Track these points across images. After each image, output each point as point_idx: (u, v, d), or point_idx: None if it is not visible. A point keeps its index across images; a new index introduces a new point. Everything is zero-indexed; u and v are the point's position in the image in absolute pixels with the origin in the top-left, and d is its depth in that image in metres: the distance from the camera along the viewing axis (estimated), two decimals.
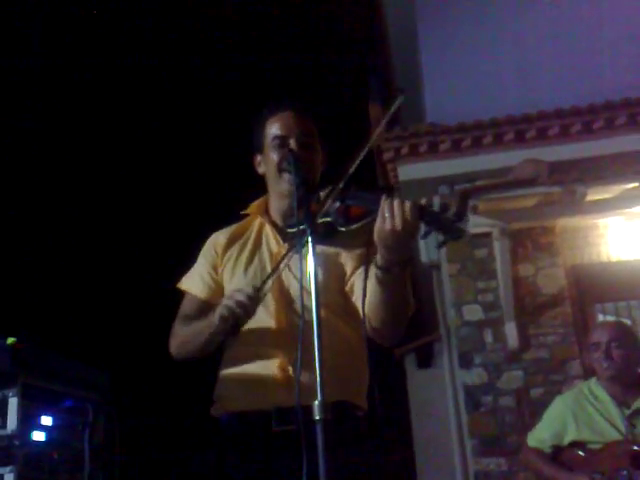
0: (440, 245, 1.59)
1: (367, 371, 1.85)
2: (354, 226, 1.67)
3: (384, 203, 1.56)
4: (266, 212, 1.97)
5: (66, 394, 2.81)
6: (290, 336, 1.74)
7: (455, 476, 4.76)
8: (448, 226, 1.52)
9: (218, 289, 1.95)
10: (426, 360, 5.23)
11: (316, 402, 1.48)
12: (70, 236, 7.87)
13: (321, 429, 1.47)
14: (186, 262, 2.06)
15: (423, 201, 1.56)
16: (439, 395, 4.91)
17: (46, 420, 2.72)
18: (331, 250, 1.80)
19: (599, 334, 2.92)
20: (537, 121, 5.13)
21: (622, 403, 2.83)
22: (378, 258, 1.63)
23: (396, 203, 1.54)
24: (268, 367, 1.78)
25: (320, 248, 1.67)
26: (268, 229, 1.94)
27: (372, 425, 1.85)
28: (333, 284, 1.82)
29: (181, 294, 2.01)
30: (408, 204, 1.53)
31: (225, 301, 1.73)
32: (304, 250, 1.64)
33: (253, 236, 1.96)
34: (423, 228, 1.56)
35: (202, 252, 2.03)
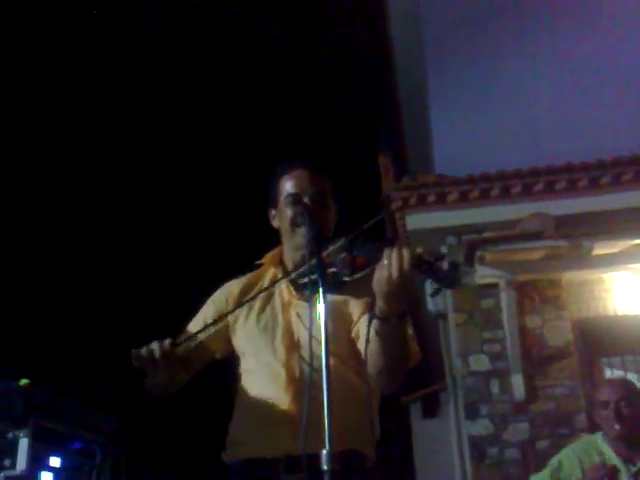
0: (433, 294, 1.66)
1: (377, 422, 1.89)
2: (357, 275, 1.75)
3: (385, 252, 1.62)
4: (280, 263, 2.04)
5: (75, 436, 2.83)
6: (300, 384, 1.79)
7: None
8: (442, 275, 1.58)
9: (216, 334, 1.99)
10: (432, 409, 5.22)
11: (324, 451, 1.51)
12: (83, 280, 7.96)
13: (328, 479, 1.50)
14: (196, 311, 2.12)
15: (419, 250, 1.63)
16: (444, 445, 4.89)
17: (54, 461, 2.75)
18: (339, 299, 1.86)
19: (608, 392, 2.92)
20: (545, 175, 5.21)
21: (628, 460, 2.84)
22: (376, 309, 1.69)
23: (394, 252, 1.60)
24: (278, 415, 1.82)
25: (329, 297, 1.71)
26: (282, 281, 1.99)
27: (380, 476, 1.88)
28: (342, 333, 1.87)
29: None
30: (406, 253, 1.60)
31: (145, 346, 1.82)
32: (313, 299, 1.69)
33: (266, 285, 2.02)
34: (431, 286, 1.62)
35: (212, 298, 2.08)
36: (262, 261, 2.07)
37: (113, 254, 8.23)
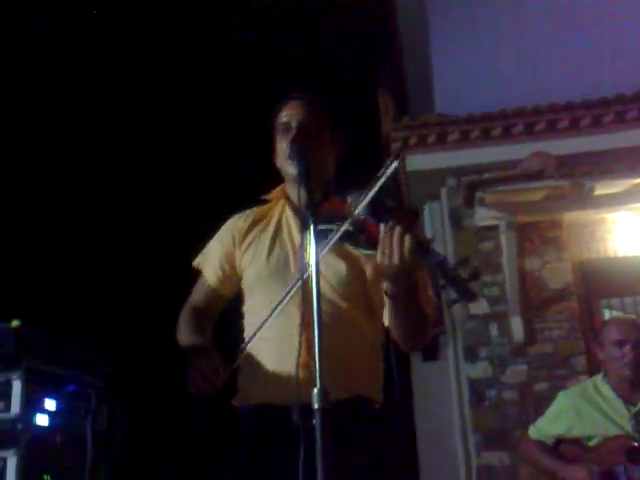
0: (451, 304, 1.59)
1: (382, 365, 1.87)
2: (367, 251, 1.67)
3: (383, 237, 1.55)
4: (287, 199, 1.96)
5: (70, 378, 2.79)
6: (313, 330, 1.74)
7: (458, 470, 4.75)
8: (464, 287, 1.50)
9: (226, 280, 1.96)
10: (431, 353, 5.22)
11: (315, 390, 1.46)
12: (75, 217, 7.80)
13: (320, 418, 1.44)
14: (196, 245, 2.05)
15: (428, 236, 1.55)
16: (443, 388, 4.91)
17: (49, 404, 2.71)
18: (355, 252, 1.79)
19: (623, 333, 2.89)
20: (547, 114, 5.09)
21: (629, 401, 2.83)
22: (385, 286, 1.65)
23: (395, 239, 1.53)
24: (290, 361, 1.74)
25: (346, 246, 1.70)
26: (290, 215, 1.93)
27: (386, 418, 1.85)
28: (356, 280, 1.82)
29: (190, 276, 2.01)
30: (407, 240, 1.52)
31: (196, 377, 1.74)
32: (324, 243, 1.64)
33: (274, 221, 1.95)
34: (450, 294, 1.54)
35: (219, 235, 2.02)
36: (268, 196, 2.00)
37: (103, 182, 8.06)
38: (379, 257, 1.57)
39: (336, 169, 1.97)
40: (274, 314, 1.78)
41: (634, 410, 2.81)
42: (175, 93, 8.12)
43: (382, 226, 1.58)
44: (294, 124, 1.89)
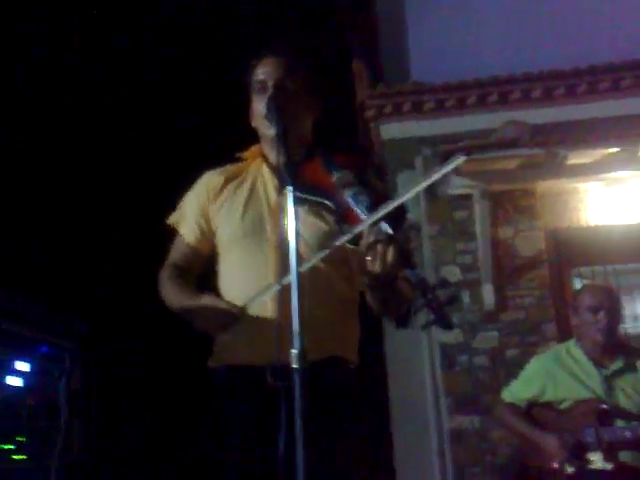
0: (424, 327, 1.55)
1: (358, 327, 1.87)
2: (344, 234, 1.62)
3: (365, 241, 1.51)
4: (263, 158, 1.92)
5: (42, 340, 2.77)
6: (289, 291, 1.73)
7: (430, 433, 4.83)
8: (439, 309, 1.46)
9: (204, 237, 1.93)
10: (404, 322, 5.26)
11: (294, 350, 1.45)
12: (46, 174, 7.58)
13: (299, 378, 1.44)
14: (170, 203, 2.01)
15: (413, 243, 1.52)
16: (416, 354, 4.96)
17: (22, 366, 2.69)
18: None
19: (598, 299, 2.94)
20: (521, 83, 5.10)
21: (600, 365, 2.89)
22: (361, 277, 1.63)
23: (379, 249, 1.49)
24: (265, 319, 1.74)
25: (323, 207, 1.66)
26: (267, 174, 1.89)
27: (360, 380, 1.86)
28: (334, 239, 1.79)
29: (167, 234, 1.98)
30: (391, 252, 1.48)
31: (206, 318, 1.73)
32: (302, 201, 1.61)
33: (250, 180, 1.91)
34: (425, 317, 1.51)
35: (193, 191, 1.98)
36: (243, 155, 1.96)
37: (74, 141, 7.83)
38: (358, 255, 1.55)
39: (315, 131, 1.93)
40: (251, 274, 1.76)
41: (605, 373, 2.87)
42: (144, 46, 7.92)
43: (365, 221, 1.53)
44: (271, 83, 1.83)
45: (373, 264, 1.50)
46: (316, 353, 1.50)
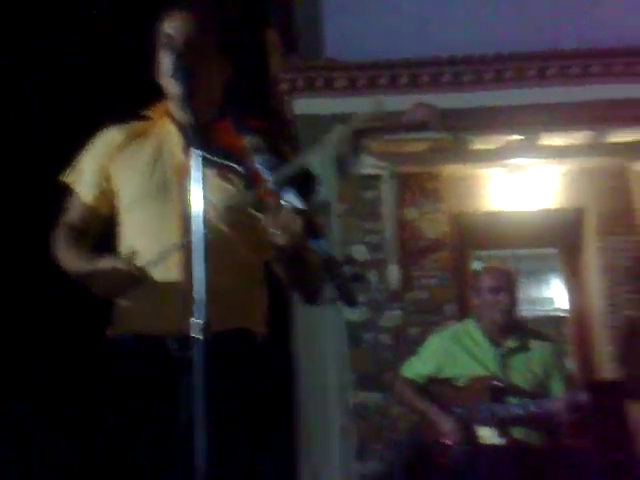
0: (328, 302, 1.52)
1: (266, 298, 1.81)
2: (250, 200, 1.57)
3: (271, 211, 1.46)
4: (170, 117, 1.81)
5: None
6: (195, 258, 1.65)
7: (334, 409, 4.89)
8: (345, 287, 1.42)
9: (103, 197, 1.81)
10: (312, 296, 5.27)
11: (196, 320, 1.39)
12: None
13: (200, 349, 1.39)
14: (68, 160, 1.88)
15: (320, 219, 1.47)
16: (323, 331, 4.99)
17: None
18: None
19: (499, 280, 3.03)
20: (431, 67, 5.17)
21: (497, 344, 2.99)
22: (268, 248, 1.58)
23: (285, 218, 1.44)
24: (171, 288, 1.66)
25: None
26: (173, 134, 1.79)
27: (267, 351, 1.83)
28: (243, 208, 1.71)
29: (61, 193, 1.86)
30: (297, 224, 1.43)
31: (105, 281, 1.66)
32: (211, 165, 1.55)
33: (155, 139, 1.81)
34: (330, 293, 1.47)
35: (91, 148, 1.85)
36: (148, 113, 1.84)
37: None
38: (264, 225, 1.49)
39: (227, 93, 1.86)
40: (153, 240, 1.68)
41: (501, 352, 2.97)
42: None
43: (269, 183, 1.47)
44: (179, 39, 1.73)
45: (278, 235, 1.46)
46: (221, 324, 1.45)
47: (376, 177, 5.11)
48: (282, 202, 1.44)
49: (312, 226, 1.45)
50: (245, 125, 1.66)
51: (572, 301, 5.53)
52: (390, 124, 4.62)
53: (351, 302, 1.43)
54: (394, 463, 3.58)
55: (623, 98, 5.13)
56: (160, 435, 1.65)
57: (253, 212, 1.54)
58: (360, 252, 5.13)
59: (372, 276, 5.09)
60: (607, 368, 4.83)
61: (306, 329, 4.93)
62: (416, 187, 5.20)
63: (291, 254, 1.53)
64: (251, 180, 1.54)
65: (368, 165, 4.99)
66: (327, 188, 5.04)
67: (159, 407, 1.66)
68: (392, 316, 5.01)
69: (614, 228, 5.11)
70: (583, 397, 2.52)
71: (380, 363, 4.85)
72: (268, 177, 1.48)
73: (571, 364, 4.89)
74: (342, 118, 4.97)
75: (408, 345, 4.75)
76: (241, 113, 1.73)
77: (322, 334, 5.00)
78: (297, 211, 1.43)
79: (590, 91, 5.20)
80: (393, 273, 5.04)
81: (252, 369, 1.74)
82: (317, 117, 5.03)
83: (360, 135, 4.64)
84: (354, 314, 4.98)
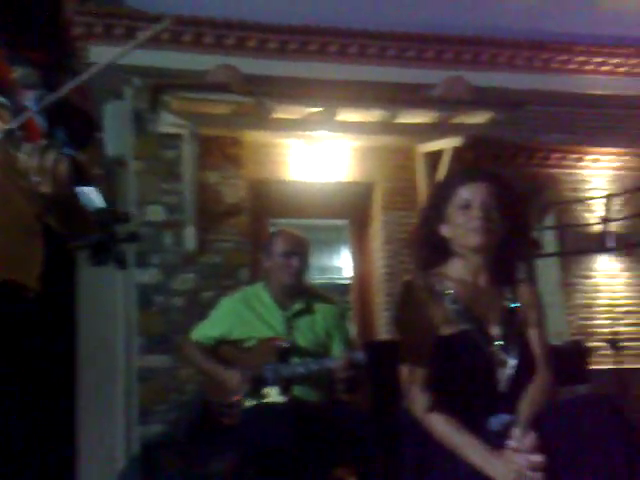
0: (95, 263, 1.42)
1: (42, 249, 1.69)
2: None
3: (32, 154, 1.35)
4: None
5: None
6: None
7: (118, 373, 4.75)
8: (113, 243, 1.35)
9: None
10: (102, 257, 5.03)
11: None
12: None
13: None
14: None
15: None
16: (110, 293, 4.80)
17: None
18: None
19: (292, 245, 3.09)
20: (237, 30, 5.12)
21: (284, 307, 3.08)
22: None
23: (48, 165, 1.34)
24: None
25: None
26: None
27: (41, 309, 1.70)
28: None
29: None
30: (62, 170, 1.34)
31: None
32: None
33: None
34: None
35: None
36: None
37: None
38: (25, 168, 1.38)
39: None
40: None
41: (287, 314, 3.07)
42: None
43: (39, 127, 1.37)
44: None
45: (41, 182, 1.36)
46: None
47: (177, 136, 4.98)
48: (46, 143, 1.33)
49: (81, 173, 1.37)
50: (20, 55, 1.51)
51: (357, 270, 5.87)
52: (192, 82, 4.51)
53: (120, 263, 1.37)
54: (178, 424, 3.56)
55: (414, 82, 5.50)
56: None
57: (17, 153, 1.40)
58: (157, 212, 5.00)
59: (167, 238, 4.99)
60: (384, 331, 5.22)
61: (93, 290, 4.69)
62: (217, 150, 5.16)
63: (57, 204, 1.42)
64: (16, 116, 1.40)
65: (169, 123, 4.85)
66: (122, 143, 4.82)
67: None
68: (186, 279, 4.96)
69: (397, 204, 5.49)
70: (360, 356, 2.68)
71: (171, 326, 4.79)
72: (37, 116, 1.37)
73: (353, 327, 5.22)
74: (142, 71, 4.77)
75: (201, 308, 4.72)
76: (17, 42, 1.57)
77: (110, 296, 4.81)
78: (63, 155, 1.33)
79: (386, 72, 5.50)
80: (190, 236, 4.98)
81: (17, 324, 1.63)
82: (114, 68, 4.73)
83: (159, 90, 4.47)
84: (145, 276, 4.85)
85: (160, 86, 4.45)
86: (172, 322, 4.82)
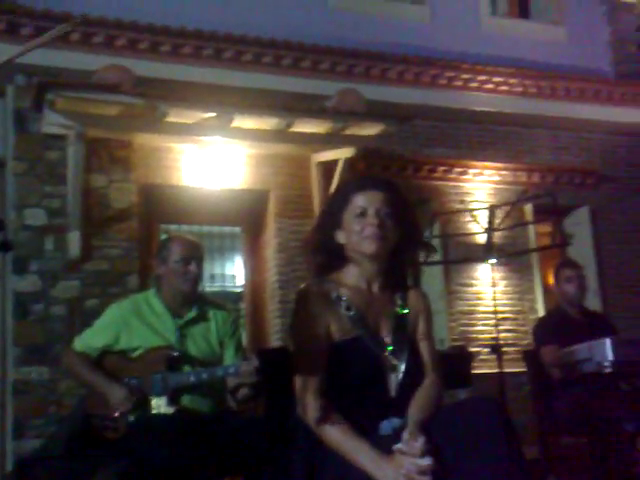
0: None
1: None
2: None
3: None
4: None
5: None
6: None
7: None
8: None
9: None
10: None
11: None
12: None
13: None
14: None
15: None
16: None
17: None
18: None
19: (189, 251, 3.00)
20: (129, 31, 4.99)
21: (177, 315, 2.98)
22: None
23: None
24: None
25: None
26: None
27: None
28: None
29: None
30: None
31: None
32: None
33: None
34: None
35: None
36: None
37: None
38: None
39: None
40: None
41: (179, 322, 2.98)
42: None
43: None
44: None
45: None
46: None
47: (62, 137, 4.76)
48: None
49: None
50: None
51: (249, 278, 5.84)
52: (79, 81, 4.32)
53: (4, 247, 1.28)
54: (56, 439, 3.36)
55: (309, 93, 5.56)
56: None
57: None
58: (38, 216, 4.75)
59: (49, 243, 4.74)
60: (277, 339, 5.21)
61: None
62: (105, 153, 4.99)
63: None
64: None
65: (53, 123, 4.62)
66: (3, 143, 4.55)
67: None
68: (68, 286, 4.74)
69: (291, 212, 5.52)
70: (253, 364, 2.64)
71: (50, 336, 4.55)
72: None
73: (244, 335, 5.17)
74: (27, 69, 4.54)
75: (85, 317, 4.53)
76: None
77: None
78: None
79: (281, 82, 5.53)
80: (73, 241, 4.76)
81: None
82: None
83: (44, 89, 4.26)
84: (23, 284, 4.59)
85: (45, 84, 4.23)
86: (52, 331, 4.58)
